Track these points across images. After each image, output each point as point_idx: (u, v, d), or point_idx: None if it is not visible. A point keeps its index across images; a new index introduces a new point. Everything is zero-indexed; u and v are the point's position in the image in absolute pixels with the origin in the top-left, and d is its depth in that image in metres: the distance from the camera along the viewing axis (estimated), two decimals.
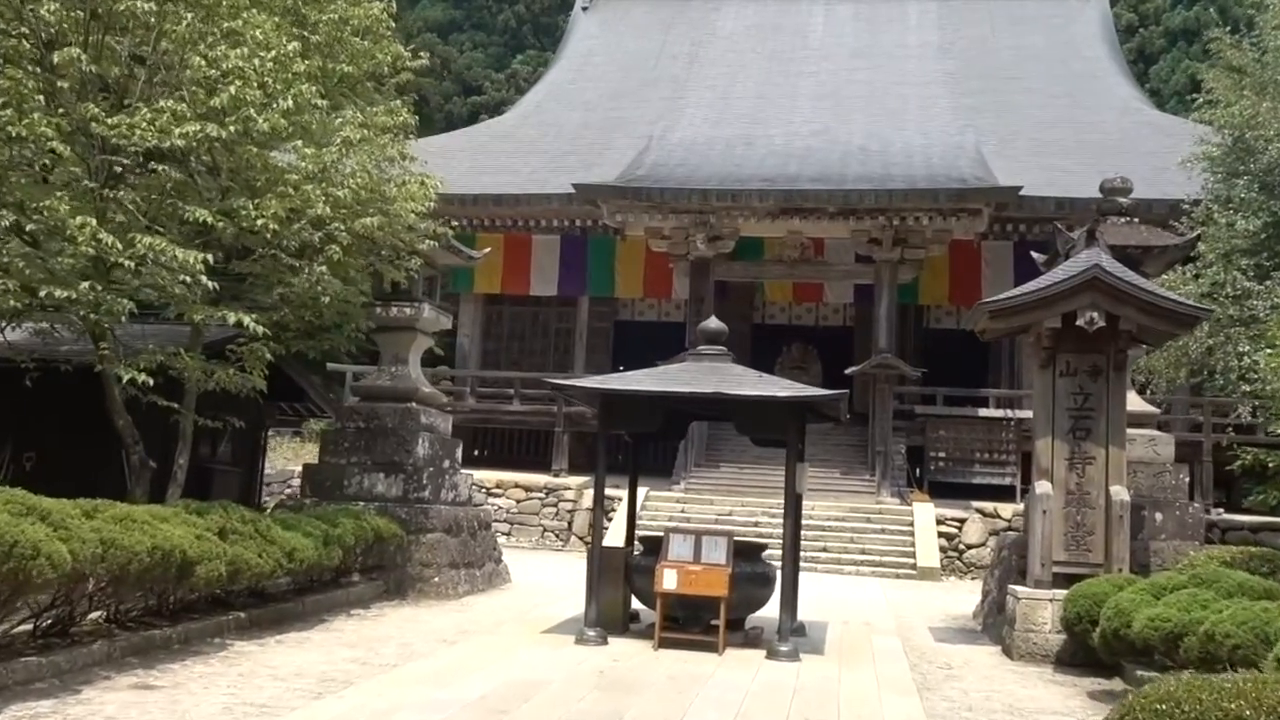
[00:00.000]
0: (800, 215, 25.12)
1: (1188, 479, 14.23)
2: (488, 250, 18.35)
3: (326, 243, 11.74)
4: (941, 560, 21.64)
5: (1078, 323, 11.43)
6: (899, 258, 25.39)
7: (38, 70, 11.04)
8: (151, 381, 10.97)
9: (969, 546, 22.39)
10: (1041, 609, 11.42)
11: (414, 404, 15.40)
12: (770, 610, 11.56)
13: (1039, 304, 11.62)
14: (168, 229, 11.67)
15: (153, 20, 11.08)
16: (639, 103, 34.14)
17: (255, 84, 10.82)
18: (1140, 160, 25.40)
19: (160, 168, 10.87)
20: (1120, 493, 11.64)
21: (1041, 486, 11.78)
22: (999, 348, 28.71)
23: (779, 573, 11.68)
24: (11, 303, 10.79)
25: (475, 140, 33.36)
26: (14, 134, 10.27)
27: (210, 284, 10.77)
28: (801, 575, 12.96)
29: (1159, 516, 13.23)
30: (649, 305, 31.45)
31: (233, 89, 10.56)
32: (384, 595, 13.92)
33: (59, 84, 11.10)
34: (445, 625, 12.04)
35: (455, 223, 27.29)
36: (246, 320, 10.97)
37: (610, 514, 22.61)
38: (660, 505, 23.44)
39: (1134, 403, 13.54)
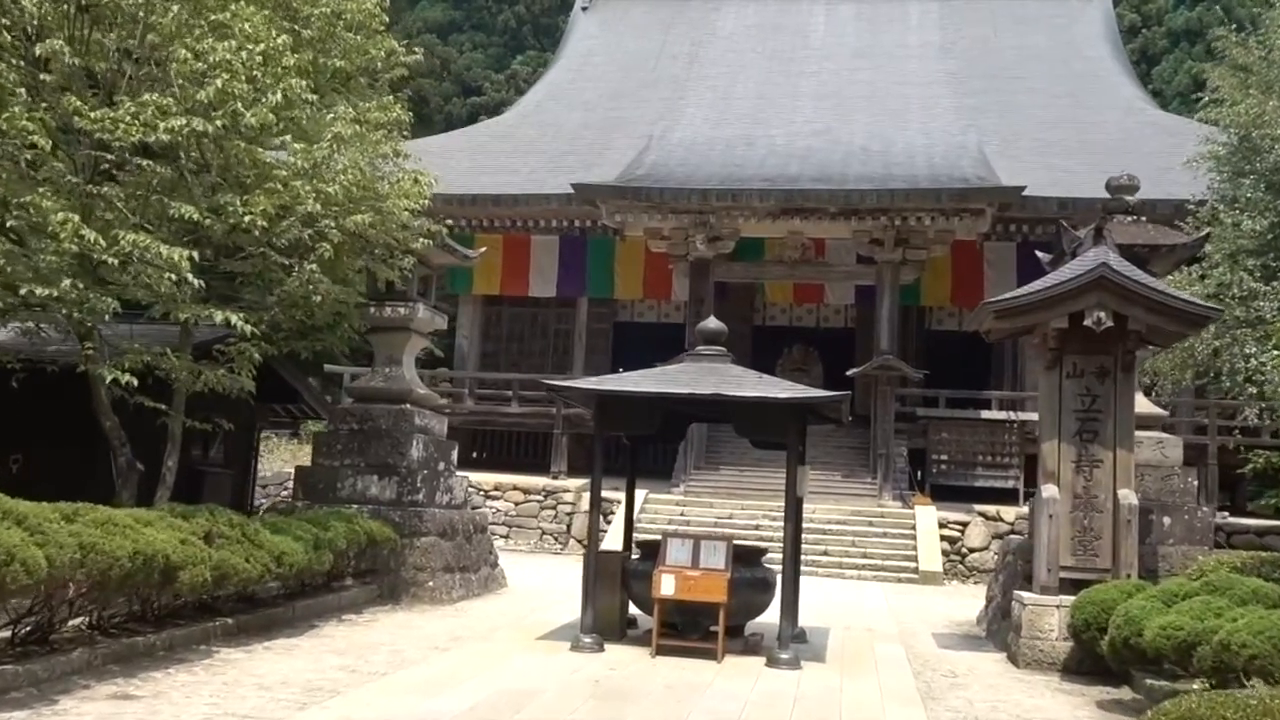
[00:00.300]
0: (801, 215, 24.86)
1: (1196, 483, 13.95)
2: (484, 249, 18.10)
3: (317, 240, 11.48)
4: (944, 564, 21.39)
5: (1085, 323, 11.19)
6: (901, 258, 25.13)
7: (21, 63, 10.78)
8: (136, 382, 10.72)
9: (972, 550, 22.12)
10: (1048, 615, 11.16)
11: (408, 405, 15.14)
12: (770, 616, 11.31)
13: (1045, 303, 11.37)
14: (158, 227, 11.43)
15: (140, 13, 10.84)
16: (639, 103, 33.89)
17: (243, 78, 10.55)
18: (1144, 160, 25.07)
19: (145, 163, 10.60)
20: (1128, 496, 11.39)
21: (1048, 490, 11.53)
22: (1001, 349, 28.49)
23: (779, 578, 11.42)
24: None
25: (474, 140, 33.12)
26: None
27: (197, 282, 10.51)
28: (802, 579, 12.73)
29: (1167, 520, 12.97)
30: (648, 306, 31.21)
31: (219, 82, 10.29)
32: (377, 600, 13.67)
33: (42, 77, 10.84)
34: (438, 631, 11.79)
35: (453, 223, 27.28)
36: (234, 319, 10.71)
37: (609, 517, 22.39)
38: (660, 508, 23.19)
39: (1141, 405, 13.27)
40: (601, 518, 22.46)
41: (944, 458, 25.31)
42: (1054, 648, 11.08)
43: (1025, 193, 24.16)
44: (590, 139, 31.64)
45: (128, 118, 10.12)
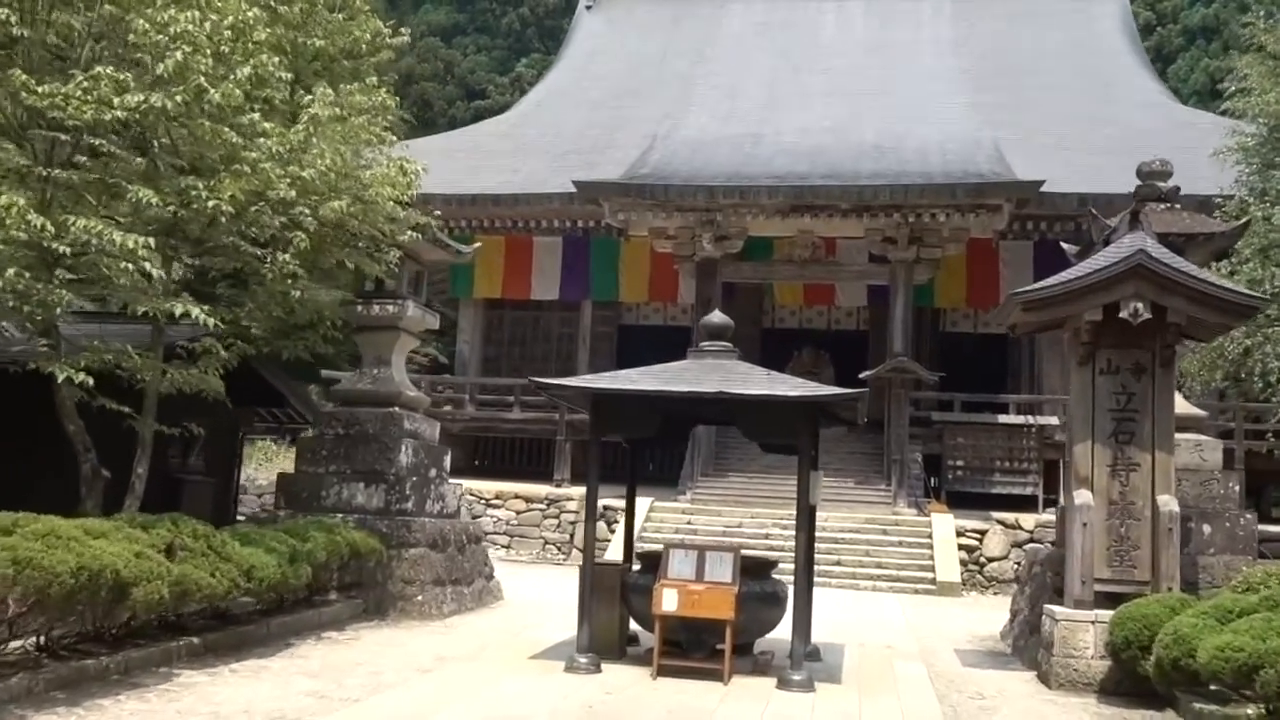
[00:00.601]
0: (811, 213, 24.01)
1: (1238, 488, 13.06)
2: (478, 245, 17.28)
3: (292, 229, 10.66)
4: (962, 574, 20.50)
5: (1121, 314, 10.32)
6: (915, 257, 24.25)
7: None
8: (91, 381, 9.90)
9: (990, 559, 21.25)
10: (1083, 632, 10.28)
11: (397, 409, 14.32)
12: (782, 632, 10.44)
13: (1078, 294, 10.50)
14: (131, 218, 10.66)
15: None
16: (643, 102, 33.09)
17: (208, 52, 9.74)
18: (1166, 155, 24.01)
19: (98, 142, 9.79)
20: (1169, 503, 10.51)
21: (1081, 496, 10.65)
22: (1019, 351, 27.67)
23: (791, 591, 10.54)
24: None
25: (474, 140, 32.38)
26: None
27: (157, 273, 9.68)
28: (815, 591, 11.84)
29: (1206, 528, 12.09)
30: (654, 309, 30.38)
31: (179, 55, 9.47)
32: (362, 615, 12.85)
33: None
34: (423, 650, 10.95)
35: (454, 224, 26.60)
36: (194, 311, 9.86)
37: (613, 525, 21.57)
38: (666, 516, 22.36)
39: (1179, 405, 12.39)
40: (605, 526, 22.12)
41: (960, 463, 24.46)
42: (1089, 667, 10.20)
43: (1044, 188, 23.27)
44: (594, 138, 30.86)
45: (79, 93, 9.31)
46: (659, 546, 11.60)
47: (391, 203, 12.19)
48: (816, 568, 14.71)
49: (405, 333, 14.74)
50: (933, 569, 20.23)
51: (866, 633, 13.67)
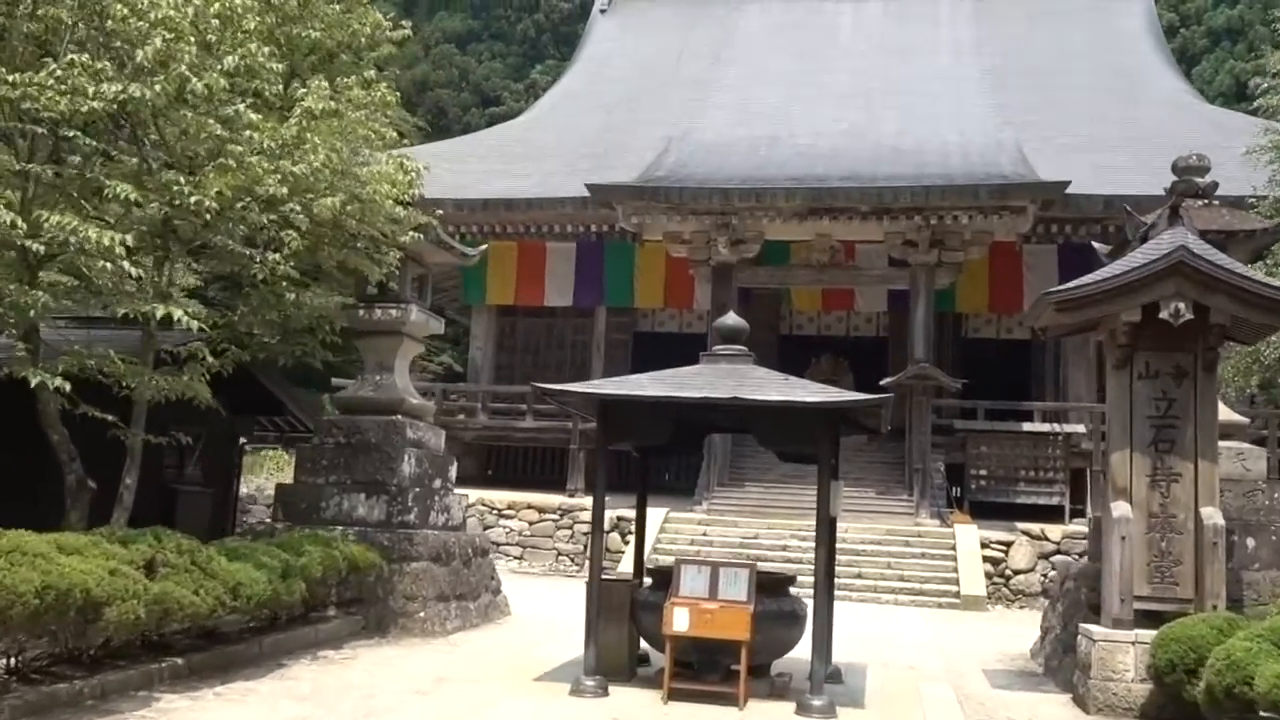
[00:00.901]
0: (830, 215, 23.38)
1: None
2: (484, 247, 16.72)
3: (283, 228, 10.13)
4: (987, 588, 19.82)
5: (1161, 315, 9.69)
6: (936, 260, 23.58)
7: None
8: (68, 387, 9.39)
9: (1016, 572, 20.56)
10: (1122, 653, 9.64)
11: (400, 416, 13.78)
12: (801, 652, 9.85)
13: (1115, 293, 9.87)
14: (122, 217, 10.15)
15: None
16: (658, 105, 32.55)
17: (191, 39, 9.24)
18: None
19: (74, 134, 9.27)
20: (1213, 515, 9.87)
21: (1119, 508, 10.01)
22: (1043, 358, 27.00)
23: (810, 609, 9.93)
24: None
25: (486, 145, 31.91)
26: None
27: (134, 271, 9.15)
28: (835, 606, 11.21)
29: (1251, 542, 11.40)
30: (670, 316, 29.80)
31: (158, 41, 8.96)
32: (361, 633, 12.29)
33: None
34: (423, 670, 10.38)
35: (465, 230, 26.09)
36: (178, 314, 9.33)
37: (627, 536, 20.99)
38: (681, 527, 21.77)
39: (1220, 411, 11.73)
40: (619, 537, 21.53)
41: (984, 473, 23.73)
42: (1130, 690, 9.56)
43: (1069, 190, 22.59)
44: (608, 142, 30.33)
45: (51, 81, 8.80)
46: (672, 560, 11.03)
47: (391, 202, 11.66)
48: (836, 581, 14.11)
49: (408, 338, 14.21)
50: (957, 582, 19.57)
51: (890, 651, 13.04)
